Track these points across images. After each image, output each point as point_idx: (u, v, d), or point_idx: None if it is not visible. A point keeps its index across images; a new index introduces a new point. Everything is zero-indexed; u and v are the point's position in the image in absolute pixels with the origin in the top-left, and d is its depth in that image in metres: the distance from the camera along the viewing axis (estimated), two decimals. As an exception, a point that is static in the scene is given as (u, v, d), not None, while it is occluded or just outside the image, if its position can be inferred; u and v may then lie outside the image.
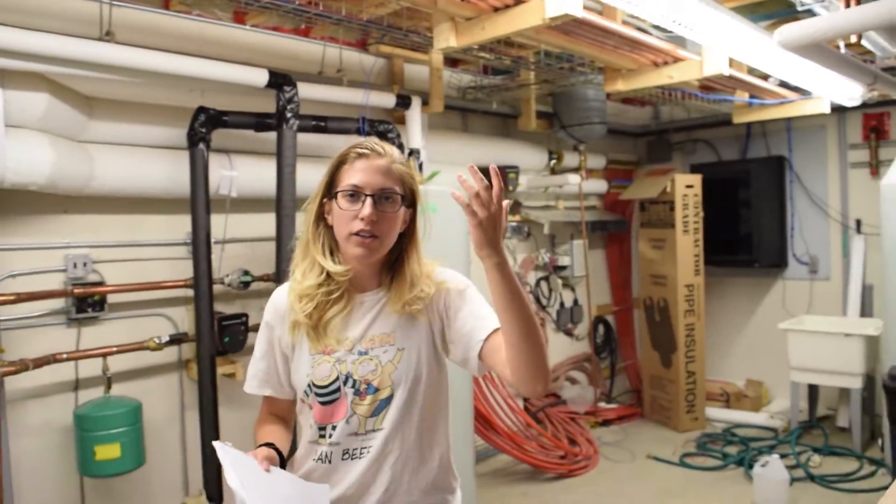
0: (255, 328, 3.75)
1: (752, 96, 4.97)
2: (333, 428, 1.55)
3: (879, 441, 4.87)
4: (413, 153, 4.01)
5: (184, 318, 3.71)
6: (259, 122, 3.49)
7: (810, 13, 3.31)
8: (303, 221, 1.62)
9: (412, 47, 4.26)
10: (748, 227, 6.07)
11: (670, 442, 5.41)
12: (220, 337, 3.53)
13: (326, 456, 1.57)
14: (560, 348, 6.07)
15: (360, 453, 1.55)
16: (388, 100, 4.04)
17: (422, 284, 1.58)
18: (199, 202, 3.36)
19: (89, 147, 3.18)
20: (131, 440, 3.20)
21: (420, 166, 3.99)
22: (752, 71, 4.26)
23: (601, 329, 6.52)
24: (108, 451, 3.13)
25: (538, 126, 5.35)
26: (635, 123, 6.68)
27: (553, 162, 5.82)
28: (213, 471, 3.43)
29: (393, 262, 1.61)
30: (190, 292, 3.60)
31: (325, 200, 1.58)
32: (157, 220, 3.61)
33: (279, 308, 1.64)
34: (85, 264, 3.31)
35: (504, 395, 5.14)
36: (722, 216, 6.06)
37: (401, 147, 3.87)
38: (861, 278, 5.59)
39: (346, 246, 1.53)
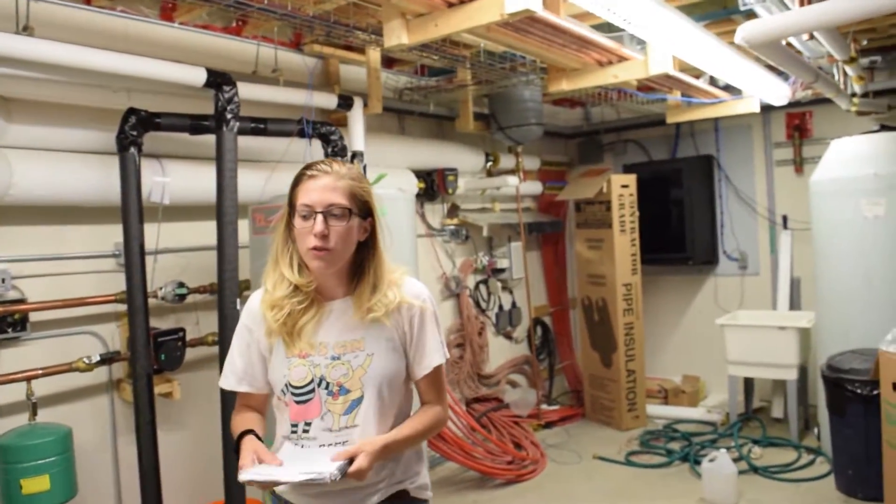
0: (193, 343, 3.59)
1: (685, 96, 5.04)
2: (308, 424, 1.69)
3: (815, 430, 5.01)
4: (356, 156, 3.87)
5: (114, 336, 3.46)
6: (195, 124, 3.28)
7: (752, 14, 3.36)
8: (273, 236, 1.75)
9: (348, 47, 4.12)
10: (681, 226, 6.18)
11: (614, 441, 5.42)
12: (155, 354, 3.30)
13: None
14: (500, 352, 6.02)
15: (337, 447, 1.65)
16: (329, 100, 3.88)
17: (385, 290, 1.71)
18: (131, 211, 3.13)
19: (7, 152, 2.91)
20: (61, 470, 2.94)
21: (364, 169, 3.84)
22: (685, 70, 4.30)
23: (539, 330, 6.51)
24: (36, 484, 2.86)
25: (475, 128, 5.29)
26: (566, 125, 6.72)
27: (490, 164, 5.77)
28: (152, 499, 3.19)
29: (355, 270, 1.74)
30: (120, 307, 3.36)
31: (291, 218, 1.70)
32: (83, 231, 3.36)
33: (256, 313, 1.76)
34: (3, 280, 3.02)
35: (449, 400, 5.03)
36: (655, 215, 6.14)
37: (343, 150, 3.72)
38: (789, 272, 5.76)
39: (307, 259, 1.67)
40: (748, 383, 5.57)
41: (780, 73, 4.57)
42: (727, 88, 5.09)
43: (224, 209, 3.18)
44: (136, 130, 3.09)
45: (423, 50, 3.73)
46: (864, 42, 4.26)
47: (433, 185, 5.19)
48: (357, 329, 1.70)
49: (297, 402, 1.69)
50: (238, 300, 3.19)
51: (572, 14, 3.44)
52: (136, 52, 3.09)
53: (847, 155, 4.46)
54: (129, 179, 3.10)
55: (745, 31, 2.61)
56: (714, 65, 3.77)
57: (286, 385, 1.70)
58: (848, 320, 4.41)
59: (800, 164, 5.74)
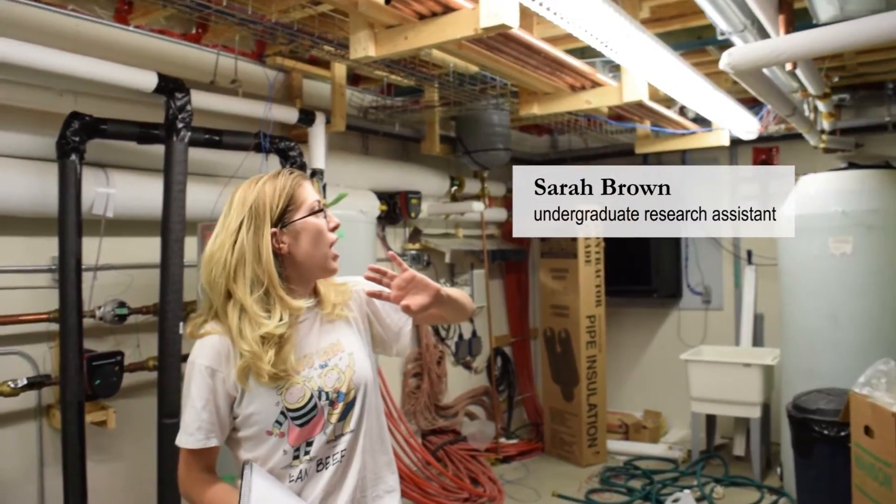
0: (132, 368, 3.34)
1: (655, 126, 4.98)
2: (309, 444, 1.57)
3: (778, 470, 4.92)
4: (316, 174, 3.68)
5: (45, 358, 3.19)
6: (144, 132, 3.06)
7: (728, 44, 3.29)
8: (248, 262, 1.53)
9: (313, 61, 3.96)
10: (646, 258, 6.10)
11: (574, 477, 5.26)
12: (89, 379, 3.05)
13: (304, 473, 1.58)
14: (459, 382, 5.84)
15: (332, 460, 1.60)
16: (289, 114, 3.69)
17: (335, 286, 1.68)
18: (69, 223, 2.90)
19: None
20: (-22, 506, 2.67)
21: (324, 188, 3.66)
22: (656, 100, 4.23)
23: (499, 361, 6.34)
24: (-53, 522, 2.59)
25: (441, 150, 5.15)
26: (533, 151, 6.63)
27: (454, 188, 5.64)
28: (79, 537, 2.93)
29: None
30: (54, 327, 3.10)
31: (274, 231, 1.56)
32: (15, 243, 3.10)
33: (221, 350, 1.54)
34: (-78, 294, 2.76)
35: (404, 432, 4.84)
36: (620, 246, 6.04)
37: (303, 167, 3.53)
38: (753, 308, 5.71)
39: (326, 265, 1.61)
40: (710, 420, 5.47)
41: (750, 108, 4.53)
42: (697, 120, 5.04)
43: (170, 225, 2.96)
44: (78, 136, 2.87)
45: (391, 66, 3.58)
46: (836, 79, 4.24)
47: (396, 207, 5.02)
48: (330, 332, 1.64)
49: (301, 425, 1.56)
50: (182, 323, 2.97)
51: (545, 37, 3.34)
52: (87, 55, 2.89)
53: (815, 192, 4.42)
54: (68, 188, 2.87)
55: (731, 56, 2.52)
56: (688, 95, 3.70)
57: (283, 412, 1.54)
58: (813, 358, 4.34)
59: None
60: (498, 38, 2.85)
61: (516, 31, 2.72)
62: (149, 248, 3.31)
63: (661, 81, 3.44)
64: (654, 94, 3.81)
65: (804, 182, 4.57)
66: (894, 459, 2.94)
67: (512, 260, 6.43)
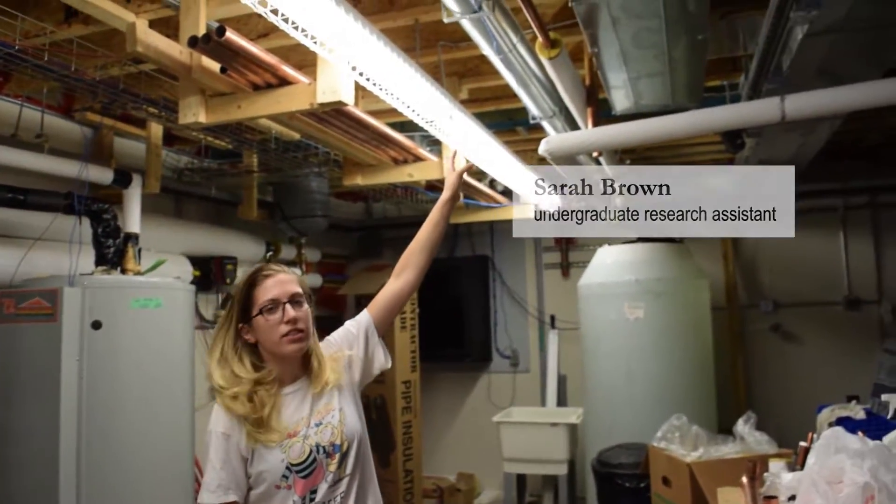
0: None
1: (467, 198, 5.24)
2: (314, 492, 1.82)
3: (583, 524, 5.20)
4: (130, 238, 3.46)
5: None
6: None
7: (538, 127, 3.60)
8: (216, 338, 1.88)
9: (126, 118, 3.77)
10: (458, 323, 6.32)
11: (392, 546, 5.22)
12: None
13: None
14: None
15: (333, 501, 1.84)
16: (103, 175, 3.47)
17: (328, 367, 1.91)
18: None
19: None
20: None
21: (139, 253, 3.46)
22: (470, 174, 4.48)
23: (314, 430, 6.20)
24: None
25: (259, 216, 5.07)
26: (348, 218, 6.69)
27: (270, 254, 5.54)
28: None
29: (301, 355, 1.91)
30: None
31: (241, 326, 1.86)
32: None
33: (232, 417, 1.81)
34: None
35: None
36: (434, 312, 6.22)
37: (116, 231, 3.32)
38: (557, 370, 6.08)
39: (281, 348, 1.84)
40: (521, 479, 5.68)
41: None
42: (505, 193, 5.38)
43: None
44: None
45: (215, 131, 3.51)
46: (627, 161, 4.75)
47: (210, 273, 4.84)
48: (322, 397, 1.89)
49: (304, 477, 1.82)
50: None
51: (369, 111, 3.45)
52: None
53: (612, 262, 4.87)
54: None
55: (548, 144, 2.78)
56: (501, 171, 3.96)
57: (288, 467, 1.80)
58: (613, 416, 4.69)
59: (566, 269, 6.19)
60: (330, 112, 2.91)
61: (352, 106, 2.80)
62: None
63: (478, 158, 3.66)
64: (470, 170, 4.04)
65: (601, 253, 5.02)
66: (689, 506, 3.24)
67: (326, 326, 6.36)
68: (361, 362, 2.04)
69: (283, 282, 1.88)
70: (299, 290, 1.90)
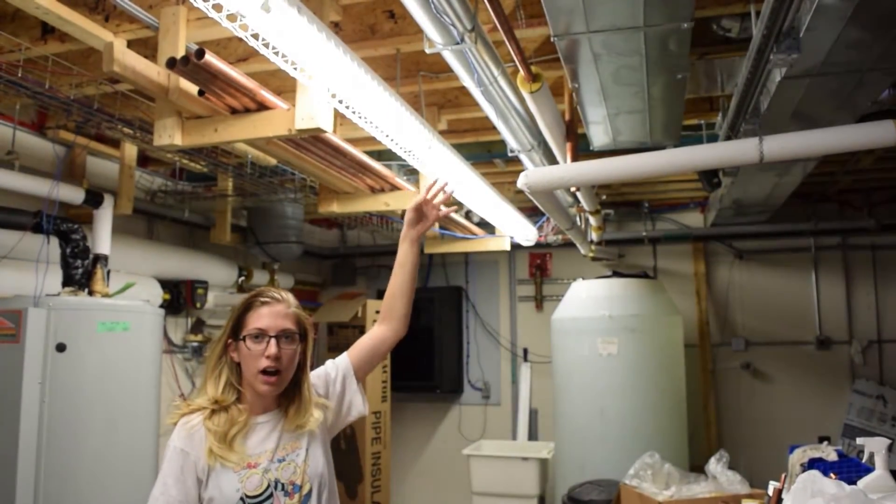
0: None
1: (443, 228, 5.23)
2: None
3: (552, 561, 5.13)
4: (99, 259, 3.39)
5: None
6: None
7: (516, 160, 3.61)
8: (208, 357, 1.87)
9: (99, 137, 3.72)
10: (430, 354, 6.26)
11: (357, 581, 5.10)
12: None
13: None
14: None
15: None
16: (74, 194, 3.41)
17: (311, 409, 1.85)
18: None
19: None
20: None
21: (108, 275, 3.39)
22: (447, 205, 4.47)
23: (281, 459, 6.08)
24: None
25: (232, 240, 5.01)
26: (322, 245, 6.65)
27: (242, 279, 5.47)
28: None
29: (286, 388, 1.84)
30: None
31: (230, 342, 1.81)
32: None
33: (194, 435, 1.76)
34: None
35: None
36: (406, 342, 6.12)
37: (85, 251, 3.25)
38: (528, 403, 6.04)
39: (255, 383, 1.78)
40: (490, 514, 5.61)
41: (529, 216, 4.94)
42: (481, 225, 5.38)
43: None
44: None
45: (189, 153, 3.47)
46: (603, 197, 4.78)
47: (180, 297, 4.76)
48: (290, 433, 1.83)
49: None
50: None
51: (346, 138, 3.44)
52: None
53: (585, 296, 4.86)
54: None
55: (527, 178, 2.77)
56: (478, 202, 3.96)
57: (242, 498, 1.73)
58: (584, 451, 4.65)
59: (540, 301, 6.18)
60: (307, 138, 2.89)
61: (330, 133, 2.79)
62: None
63: (456, 189, 3.66)
64: (447, 200, 4.03)
65: (575, 287, 5.01)
66: (660, 546, 3.20)
67: (298, 354, 6.28)
68: (335, 408, 1.95)
69: (277, 314, 1.81)
70: (292, 327, 1.82)
